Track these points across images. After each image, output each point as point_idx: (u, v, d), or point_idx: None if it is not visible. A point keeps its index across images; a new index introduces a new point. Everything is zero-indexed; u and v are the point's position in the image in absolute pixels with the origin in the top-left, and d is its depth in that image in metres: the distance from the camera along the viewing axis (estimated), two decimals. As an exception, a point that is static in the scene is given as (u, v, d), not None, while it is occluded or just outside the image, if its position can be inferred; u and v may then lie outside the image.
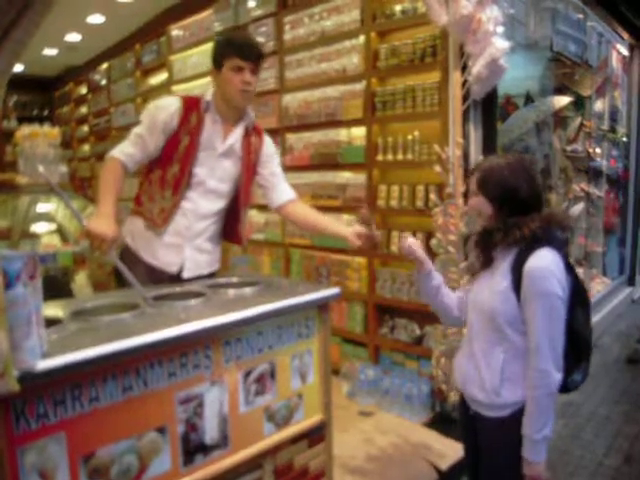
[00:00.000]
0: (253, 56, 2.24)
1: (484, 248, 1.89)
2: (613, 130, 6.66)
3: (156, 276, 2.29)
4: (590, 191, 6.24)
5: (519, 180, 1.76)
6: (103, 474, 1.42)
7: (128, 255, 2.31)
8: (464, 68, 3.08)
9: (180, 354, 1.57)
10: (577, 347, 1.78)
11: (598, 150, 6.31)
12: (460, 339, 3.09)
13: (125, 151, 2.24)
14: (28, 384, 1.23)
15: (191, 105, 2.27)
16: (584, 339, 1.80)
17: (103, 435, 1.42)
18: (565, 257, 1.75)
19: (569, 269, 1.74)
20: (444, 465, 2.87)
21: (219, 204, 2.40)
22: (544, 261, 1.68)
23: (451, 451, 2.99)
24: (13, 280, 1.18)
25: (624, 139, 6.95)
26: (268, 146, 2.56)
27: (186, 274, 2.34)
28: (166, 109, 2.26)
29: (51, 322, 1.54)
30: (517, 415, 1.76)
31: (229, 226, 2.51)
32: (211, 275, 2.45)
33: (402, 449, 3.01)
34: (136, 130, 2.27)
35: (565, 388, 1.82)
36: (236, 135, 2.37)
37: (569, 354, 1.76)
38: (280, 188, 2.54)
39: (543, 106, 5.32)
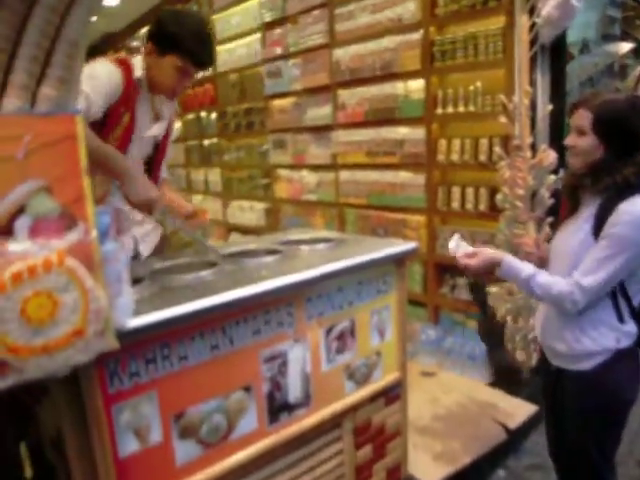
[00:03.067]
0: (207, 66, 2.08)
1: (571, 194, 1.79)
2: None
3: None
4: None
5: None
6: (193, 433, 1.40)
7: None
8: (531, 11, 2.90)
9: (264, 311, 1.52)
10: None
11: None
12: (526, 297, 3.00)
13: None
14: (121, 342, 1.20)
15: (129, 76, 2.03)
16: None
17: (192, 394, 1.39)
18: None
19: None
20: (512, 424, 2.81)
21: None
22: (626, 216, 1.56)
23: (519, 410, 2.93)
24: (103, 235, 1.13)
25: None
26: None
27: (144, 254, 2.24)
28: (111, 78, 1.96)
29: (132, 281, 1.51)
30: (600, 369, 1.69)
31: None
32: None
33: (468, 408, 2.96)
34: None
35: None
36: (165, 119, 2.22)
37: None
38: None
39: (602, 54, 5.05)
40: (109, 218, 1.16)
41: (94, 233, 1.03)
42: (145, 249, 2.29)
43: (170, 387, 1.34)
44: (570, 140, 1.70)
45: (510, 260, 1.74)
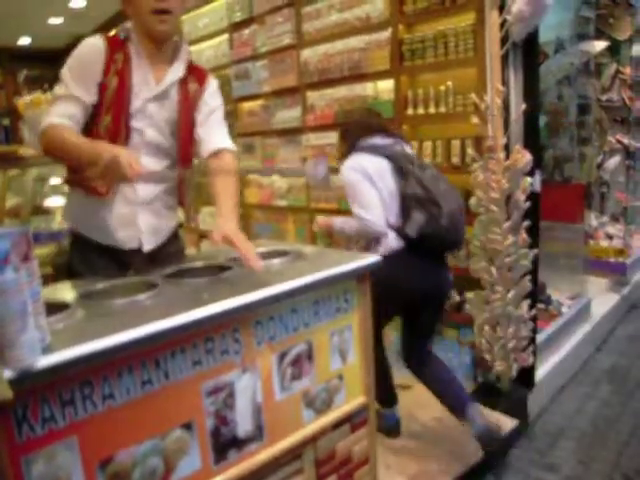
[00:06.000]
0: None
1: None
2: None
3: (115, 258, 1.97)
4: (628, 143, 5.88)
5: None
6: (124, 480, 1.24)
7: (76, 241, 2.02)
8: (502, 7, 2.79)
9: (205, 339, 1.36)
10: (406, 204, 2.44)
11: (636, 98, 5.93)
12: (504, 305, 2.88)
13: (65, 113, 1.78)
14: (29, 385, 1.04)
15: (116, 42, 1.86)
16: (410, 196, 2.42)
17: (121, 437, 1.23)
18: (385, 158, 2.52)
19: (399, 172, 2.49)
20: (491, 440, 2.68)
21: (164, 163, 2.01)
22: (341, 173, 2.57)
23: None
24: (0, 263, 0.97)
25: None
26: (211, 93, 2.08)
27: (146, 247, 2.02)
28: (90, 51, 1.83)
29: (58, 308, 1.35)
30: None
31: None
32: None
33: (446, 425, 2.82)
34: (61, 92, 1.82)
35: (407, 238, 2.44)
36: (173, 75, 1.94)
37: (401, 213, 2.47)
38: (214, 136, 2.05)
39: (576, 53, 4.98)
40: (8, 243, 1.00)
41: (-25, 264, 0.86)
42: None
43: (93, 431, 1.18)
44: None
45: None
